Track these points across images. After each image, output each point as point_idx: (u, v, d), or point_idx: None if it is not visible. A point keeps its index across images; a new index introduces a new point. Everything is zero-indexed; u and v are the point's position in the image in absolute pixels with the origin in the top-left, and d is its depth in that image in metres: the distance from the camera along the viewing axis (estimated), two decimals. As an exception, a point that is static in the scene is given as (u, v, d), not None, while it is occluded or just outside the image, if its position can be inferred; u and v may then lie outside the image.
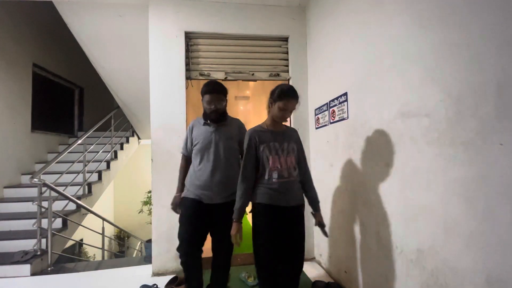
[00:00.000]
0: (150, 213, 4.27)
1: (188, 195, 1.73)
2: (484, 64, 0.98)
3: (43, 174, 3.04)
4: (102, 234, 3.97)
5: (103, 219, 3.99)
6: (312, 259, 2.60)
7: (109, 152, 4.60)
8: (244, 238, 1.55)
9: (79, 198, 3.61)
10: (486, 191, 0.98)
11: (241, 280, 2.19)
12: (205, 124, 1.77)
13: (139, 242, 5.79)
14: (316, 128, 2.53)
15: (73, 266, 2.88)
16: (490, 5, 0.96)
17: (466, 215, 1.06)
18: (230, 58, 2.67)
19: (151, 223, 2.45)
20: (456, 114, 1.09)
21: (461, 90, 1.07)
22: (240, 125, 1.86)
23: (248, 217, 1.97)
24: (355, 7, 1.85)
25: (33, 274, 2.47)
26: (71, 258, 3.82)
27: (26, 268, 2.46)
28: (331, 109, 2.23)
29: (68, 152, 3.60)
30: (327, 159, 2.31)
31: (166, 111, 2.48)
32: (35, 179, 2.74)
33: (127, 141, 5.46)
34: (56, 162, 3.30)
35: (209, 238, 1.77)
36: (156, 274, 2.37)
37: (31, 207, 2.84)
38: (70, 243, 3.85)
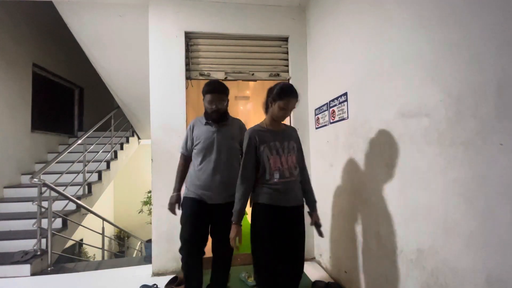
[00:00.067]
0: (150, 213, 4.27)
1: (189, 195, 1.73)
2: (484, 64, 0.98)
3: (43, 174, 3.04)
4: (102, 234, 3.97)
5: (103, 219, 3.99)
6: (312, 259, 2.60)
7: (109, 152, 4.60)
8: (245, 238, 1.54)
9: (79, 198, 3.61)
10: (486, 191, 0.98)
11: (241, 280, 2.19)
12: (206, 124, 1.76)
13: (139, 242, 5.79)
14: (316, 128, 2.53)
15: (73, 266, 2.88)
16: (490, 5, 0.96)
17: (466, 215, 1.06)
18: (230, 58, 2.66)
19: (151, 223, 2.45)
20: (456, 114, 1.09)
21: (461, 90, 1.07)
22: (241, 125, 1.85)
23: (248, 217, 1.97)
24: (355, 7, 1.85)
25: (33, 274, 2.47)
26: (71, 258, 3.82)
27: (26, 268, 2.46)
28: (331, 109, 2.23)
29: (68, 152, 3.60)
30: (327, 159, 2.31)
31: (166, 111, 2.48)
32: (35, 179, 2.74)
33: (127, 141, 5.46)
34: (56, 162, 3.30)
35: (209, 239, 1.77)
36: (156, 274, 2.37)
37: (31, 207, 2.84)
38: (70, 243, 3.85)
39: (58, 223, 3.17)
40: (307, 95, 2.70)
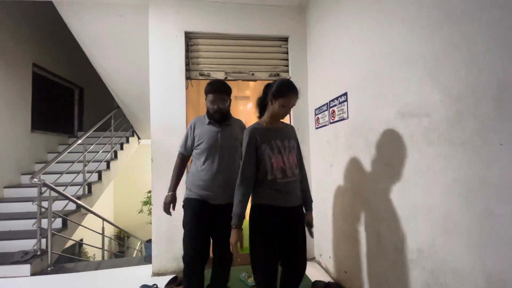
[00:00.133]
0: (150, 213, 4.27)
1: (191, 195, 1.70)
2: (484, 64, 0.98)
3: (43, 174, 3.04)
4: (102, 234, 3.97)
5: (103, 219, 3.99)
6: (312, 259, 2.60)
7: (109, 152, 4.60)
8: (245, 238, 1.53)
9: (79, 198, 3.61)
10: (486, 191, 0.98)
11: (241, 280, 2.19)
12: (209, 123, 1.73)
13: (139, 242, 5.79)
14: (316, 128, 2.53)
15: (73, 266, 2.88)
16: (490, 5, 0.96)
17: (466, 215, 1.06)
18: (230, 58, 2.67)
19: (151, 223, 2.45)
20: (456, 114, 1.09)
21: (461, 90, 1.07)
22: (242, 126, 1.83)
23: (246, 217, 1.96)
24: (355, 7, 1.85)
25: (33, 274, 2.47)
26: (71, 258, 3.82)
27: (26, 268, 2.46)
28: (331, 109, 2.23)
29: (68, 152, 3.60)
30: (327, 159, 2.30)
31: (166, 111, 2.48)
32: (35, 179, 2.74)
33: (127, 141, 5.46)
34: (56, 162, 3.30)
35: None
36: (156, 274, 2.37)
37: (31, 207, 2.84)
38: (70, 243, 3.85)
39: (58, 223, 3.17)
40: (307, 95, 2.70)
